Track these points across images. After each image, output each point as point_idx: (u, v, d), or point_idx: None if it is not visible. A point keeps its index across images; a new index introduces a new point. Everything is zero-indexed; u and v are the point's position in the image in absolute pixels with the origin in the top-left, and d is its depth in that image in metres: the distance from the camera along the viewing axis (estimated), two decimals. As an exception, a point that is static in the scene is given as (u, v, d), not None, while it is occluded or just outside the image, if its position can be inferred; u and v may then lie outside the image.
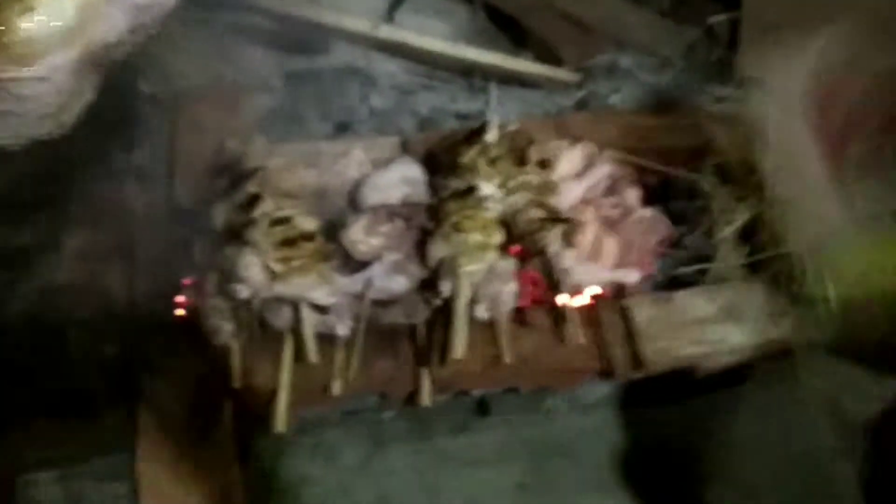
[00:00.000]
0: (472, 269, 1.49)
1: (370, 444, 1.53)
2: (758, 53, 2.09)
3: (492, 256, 1.51)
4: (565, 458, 1.55)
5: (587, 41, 2.30)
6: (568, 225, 1.56)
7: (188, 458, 1.54)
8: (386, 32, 2.14)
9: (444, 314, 1.54)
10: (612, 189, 1.77)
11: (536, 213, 1.57)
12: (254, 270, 1.45)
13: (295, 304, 1.49)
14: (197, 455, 1.55)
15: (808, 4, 2.04)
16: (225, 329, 1.49)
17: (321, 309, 1.52)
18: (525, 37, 2.29)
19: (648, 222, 1.70)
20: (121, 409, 1.57)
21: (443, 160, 1.69)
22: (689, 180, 1.83)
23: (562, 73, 2.22)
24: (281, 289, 1.47)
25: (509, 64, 2.17)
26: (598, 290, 1.63)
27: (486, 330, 1.57)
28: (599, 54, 2.28)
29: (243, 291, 1.43)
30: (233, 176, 1.66)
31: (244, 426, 1.53)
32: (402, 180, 1.67)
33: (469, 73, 2.14)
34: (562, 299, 1.61)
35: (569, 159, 1.75)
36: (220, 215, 1.59)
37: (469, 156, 1.61)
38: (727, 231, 1.75)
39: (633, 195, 1.75)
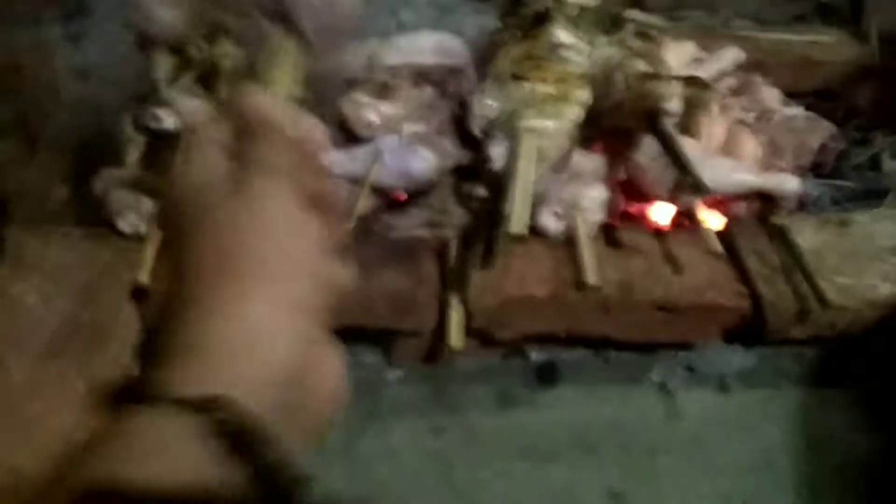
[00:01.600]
0: (540, 123, 0.92)
1: (362, 416, 0.90)
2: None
3: (572, 114, 0.94)
4: (683, 459, 0.90)
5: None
6: (695, 88, 1.00)
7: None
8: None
9: (489, 223, 0.95)
10: (741, 90, 1.21)
11: (643, 67, 1.01)
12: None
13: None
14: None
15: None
16: (141, 206, 0.92)
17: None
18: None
19: (802, 121, 1.13)
20: None
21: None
22: (844, 97, 1.29)
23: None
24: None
25: None
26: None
27: (559, 250, 0.98)
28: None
29: (166, 120, 0.87)
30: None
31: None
32: (436, 48, 1.13)
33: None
34: (666, 211, 1.03)
35: (678, 50, 1.21)
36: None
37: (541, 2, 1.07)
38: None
39: (772, 95, 1.19)
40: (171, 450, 0.29)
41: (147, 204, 0.94)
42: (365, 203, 0.97)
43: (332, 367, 0.36)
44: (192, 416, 0.29)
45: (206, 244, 0.34)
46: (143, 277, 0.87)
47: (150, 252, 0.92)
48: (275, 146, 0.35)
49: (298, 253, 0.35)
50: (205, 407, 0.29)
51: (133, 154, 0.99)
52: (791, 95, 1.31)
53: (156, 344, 0.34)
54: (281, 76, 0.44)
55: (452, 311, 0.91)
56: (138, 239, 0.94)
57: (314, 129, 0.37)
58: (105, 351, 0.85)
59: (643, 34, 1.14)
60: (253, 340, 0.33)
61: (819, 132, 1.11)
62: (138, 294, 0.88)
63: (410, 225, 1.01)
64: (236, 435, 0.29)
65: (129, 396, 0.30)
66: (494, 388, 0.97)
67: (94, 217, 0.95)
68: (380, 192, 0.99)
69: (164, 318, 0.34)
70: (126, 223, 0.95)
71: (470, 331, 0.93)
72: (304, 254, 0.35)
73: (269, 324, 0.33)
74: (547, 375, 0.97)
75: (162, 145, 0.93)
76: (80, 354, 0.84)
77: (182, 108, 0.89)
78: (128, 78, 1.20)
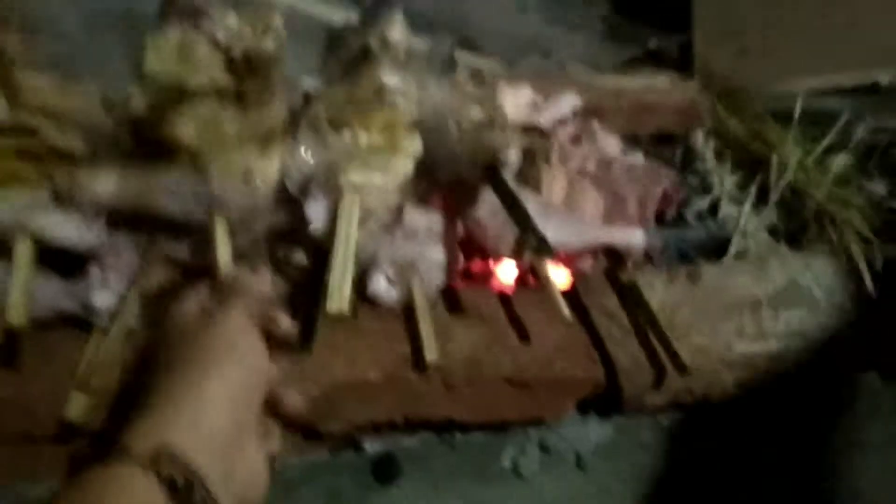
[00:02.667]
0: (364, 178, 0.80)
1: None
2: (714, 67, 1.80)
3: (401, 167, 0.83)
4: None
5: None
6: (533, 137, 0.91)
7: None
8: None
9: (309, 296, 0.81)
10: (580, 138, 1.15)
11: (478, 114, 0.91)
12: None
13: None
14: None
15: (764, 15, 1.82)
16: None
17: (66, 262, 0.77)
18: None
19: (642, 170, 1.07)
20: None
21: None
22: (681, 141, 1.27)
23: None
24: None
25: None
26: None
27: (393, 322, 0.86)
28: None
29: None
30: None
31: None
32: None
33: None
34: (508, 269, 0.94)
35: (514, 95, 1.13)
36: None
37: (363, 41, 0.96)
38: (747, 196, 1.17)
39: (612, 143, 1.14)
40: (124, 500, 0.40)
41: None
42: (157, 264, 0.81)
43: (255, 452, 0.50)
44: (144, 468, 0.41)
45: (184, 346, 0.51)
46: None
47: None
48: (237, 297, 0.55)
49: (247, 360, 0.51)
50: (155, 459, 0.41)
51: None
52: (629, 140, 1.27)
53: (121, 405, 0.48)
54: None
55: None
56: None
57: (262, 282, 0.58)
58: None
59: (477, 77, 1.05)
60: (204, 408, 0.46)
61: (660, 180, 1.06)
62: None
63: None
64: (182, 486, 0.41)
65: (93, 451, 0.42)
66: (323, 490, 0.82)
67: None
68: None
69: (131, 388, 0.49)
70: None
71: (291, 424, 0.78)
72: (251, 361, 0.52)
73: (217, 400, 0.47)
74: (385, 470, 0.84)
75: None
76: None
77: None
78: None
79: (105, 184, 0.75)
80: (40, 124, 0.92)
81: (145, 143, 0.76)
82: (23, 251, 0.72)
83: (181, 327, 0.53)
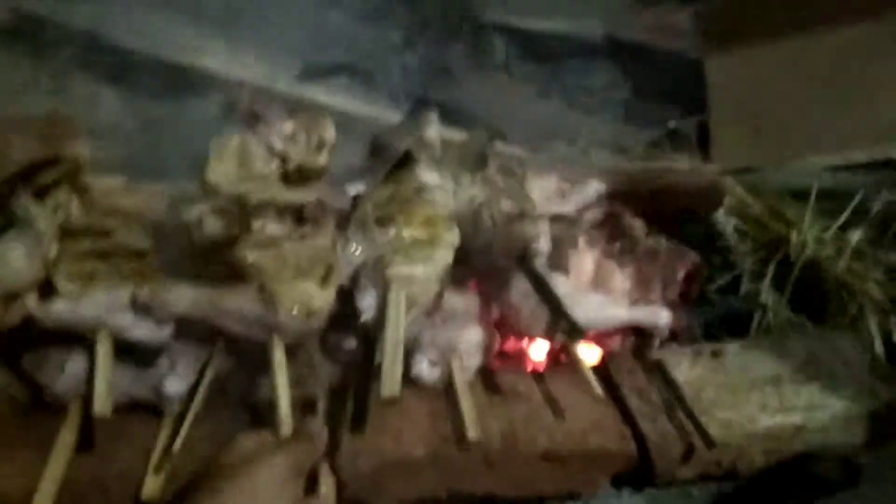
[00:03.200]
0: (409, 270, 0.88)
1: None
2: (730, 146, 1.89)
3: (441, 258, 0.91)
4: None
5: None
6: (561, 226, 0.99)
7: None
8: (285, 86, 1.68)
9: (360, 379, 0.88)
10: (605, 222, 1.22)
11: (509, 207, 0.99)
12: (14, 258, 0.79)
13: (88, 341, 0.82)
14: None
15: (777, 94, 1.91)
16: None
17: (139, 354, 0.85)
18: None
19: (666, 253, 1.14)
20: None
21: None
22: (702, 220, 1.34)
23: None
24: (63, 309, 0.81)
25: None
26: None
27: (436, 401, 0.92)
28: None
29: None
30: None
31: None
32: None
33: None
34: (541, 348, 1.00)
35: (541, 184, 1.21)
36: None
37: (404, 144, 1.06)
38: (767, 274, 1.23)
39: (637, 225, 1.21)
40: None
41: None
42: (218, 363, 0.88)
43: None
44: None
45: (231, 482, 0.68)
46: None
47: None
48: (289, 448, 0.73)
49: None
50: None
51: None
52: (652, 222, 1.34)
53: None
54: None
55: (321, 482, 0.82)
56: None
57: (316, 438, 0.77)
58: None
59: (506, 170, 1.14)
60: None
61: (684, 261, 1.13)
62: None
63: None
64: None
65: None
66: (374, 563, 0.87)
67: None
68: (234, 347, 0.90)
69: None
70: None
71: (343, 501, 0.84)
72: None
73: None
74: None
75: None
76: None
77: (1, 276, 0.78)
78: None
79: (178, 301, 0.83)
80: (112, 226, 1.02)
81: (215, 260, 0.84)
82: (104, 347, 0.80)
83: (233, 463, 0.68)
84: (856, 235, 1.34)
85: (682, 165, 1.55)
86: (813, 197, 1.41)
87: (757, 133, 1.89)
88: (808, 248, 1.29)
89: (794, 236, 1.32)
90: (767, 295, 1.21)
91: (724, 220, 1.38)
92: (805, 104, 1.87)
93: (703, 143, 2.01)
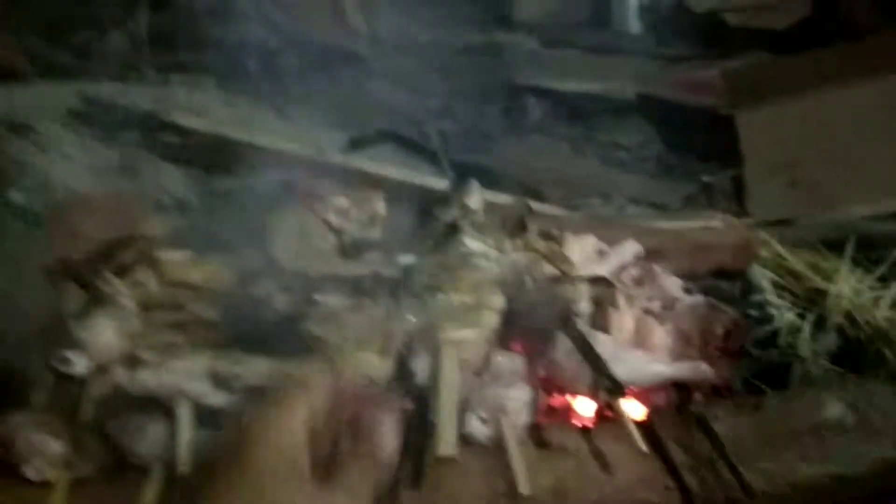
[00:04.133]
0: (459, 334, 0.94)
1: None
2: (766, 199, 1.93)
3: (489, 321, 0.97)
4: None
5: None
6: (600, 287, 1.05)
7: None
8: (335, 158, 1.78)
9: (416, 439, 0.94)
10: (643, 280, 1.28)
11: (550, 270, 1.06)
12: (104, 334, 0.88)
13: (167, 409, 0.90)
14: None
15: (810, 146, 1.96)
16: (49, 450, 0.87)
17: (216, 418, 0.92)
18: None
19: (704, 309, 1.19)
20: None
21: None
22: (739, 275, 1.39)
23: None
24: (147, 378, 0.89)
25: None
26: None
27: (488, 458, 0.98)
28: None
29: (78, 363, 0.84)
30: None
31: None
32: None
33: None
34: (588, 405, 1.05)
35: (580, 245, 1.28)
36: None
37: (449, 214, 1.14)
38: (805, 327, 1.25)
39: (673, 283, 1.26)
40: None
41: (55, 448, 0.89)
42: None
43: None
44: None
45: None
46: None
47: (58, 499, 0.86)
48: None
49: None
50: None
51: (39, 395, 0.95)
52: (688, 278, 1.40)
53: None
54: None
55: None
56: (44, 485, 0.88)
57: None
58: None
59: (546, 234, 1.21)
60: None
61: (721, 317, 1.17)
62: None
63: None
64: None
65: None
66: None
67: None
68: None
69: None
70: (32, 469, 0.89)
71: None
72: None
73: None
74: None
75: (71, 386, 0.90)
76: None
77: (93, 349, 0.87)
78: (35, 307, 1.17)
79: (253, 374, 0.89)
80: (185, 299, 1.10)
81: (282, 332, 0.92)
82: (185, 413, 0.88)
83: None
84: (894, 287, 1.36)
85: (715, 223, 1.60)
86: (850, 247, 1.43)
87: (792, 185, 1.94)
88: (844, 301, 1.31)
89: (832, 288, 1.34)
90: (806, 347, 1.25)
91: (760, 274, 1.41)
92: (838, 155, 1.91)
93: (739, 197, 2.06)
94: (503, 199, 1.61)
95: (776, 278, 1.41)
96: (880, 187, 1.78)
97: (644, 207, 2.00)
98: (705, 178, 2.15)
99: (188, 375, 0.91)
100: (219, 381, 0.88)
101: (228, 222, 1.49)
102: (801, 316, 1.33)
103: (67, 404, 0.92)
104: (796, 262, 1.44)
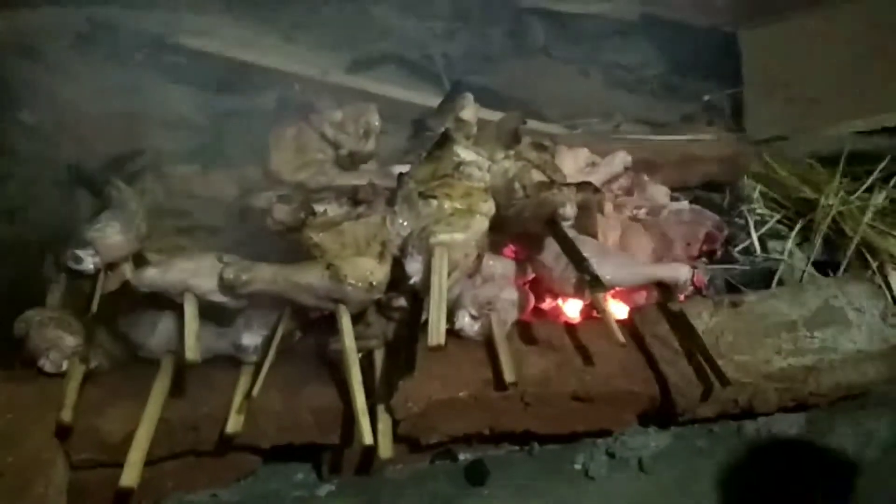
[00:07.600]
0: (449, 237, 0.99)
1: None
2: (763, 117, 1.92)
3: (478, 226, 1.02)
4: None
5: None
6: (586, 193, 1.09)
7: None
8: (338, 77, 1.81)
9: (409, 332, 1.00)
10: (632, 189, 1.32)
11: (539, 177, 1.10)
12: (113, 234, 0.93)
13: (175, 306, 0.96)
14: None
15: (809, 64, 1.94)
16: (64, 344, 0.94)
17: (218, 314, 0.98)
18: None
19: (688, 214, 1.23)
20: None
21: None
22: (728, 187, 1.43)
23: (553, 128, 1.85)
24: (154, 275, 0.94)
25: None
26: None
27: (477, 351, 1.04)
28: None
29: (88, 260, 0.90)
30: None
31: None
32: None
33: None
34: (574, 306, 1.11)
35: (573, 157, 1.32)
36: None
37: (442, 125, 1.17)
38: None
39: (660, 191, 1.30)
40: None
41: (69, 342, 0.95)
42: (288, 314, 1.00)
43: None
44: None
45: None
46: (67, 416, 0.89)
47: (73, 388, 0.93)
48: None
49: None
50: None
51: (54, 294, 1.01)
52: (678, 189, 1.43)
53: None
54: None
55: (380, 421, 0.95)
56: (61, 377, 0.95)
57: None
58: (30, 492, 0.84)
59: (538, 146, 1.24)
60: None
61: (704, 222, 1.22)
62: (62, 432, 0.89)
63: (333, 340, 1.04)
64: None
65: None
66: (426, 493, 1.00)
67: (16, 359, 0.95)
68: (301, 309, 1.02)
69: None
70: (49, 362, 0.95)
71: (398, 438, 0.96)
72: None
73: None
74: (476, 475, 1.01)
75: (83, 285, 0.96)
76: (4, 499, 0.84)
77: (101, 248, 0.93)
78: (49, 217, 1.24)
79: (258, 279, 0.93)
80: (191, 207, 1.16)
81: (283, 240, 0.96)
82: (191, 307, 0.93)
83: None
84: (881, 196, 1.39)
85: (705, 136, 1.62)
86: (843, 161, 1.45)
87: (789, 103, 1.94)
88: (833, 211, 1.34)
89: (822, 200, 1.37)
90: (790, 253, 1.29)
91: (750, 187, 1.45)
92: (835, 73, 1.91)
93: (738, 115, 2.06)
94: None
95: (766, 190, 1.44)
96: (876, 104, 1.79)
97: (644, 126, 2.01)
98: (706, 98, 2.15)
99: (194, 273, 0.96)
100: (227, 287, 0.92)
101: (233, 139, 1.54)
102: (789, 226, 1.37)
103: (81, 303, 0.99)
104: (787, 174, 1.46)
